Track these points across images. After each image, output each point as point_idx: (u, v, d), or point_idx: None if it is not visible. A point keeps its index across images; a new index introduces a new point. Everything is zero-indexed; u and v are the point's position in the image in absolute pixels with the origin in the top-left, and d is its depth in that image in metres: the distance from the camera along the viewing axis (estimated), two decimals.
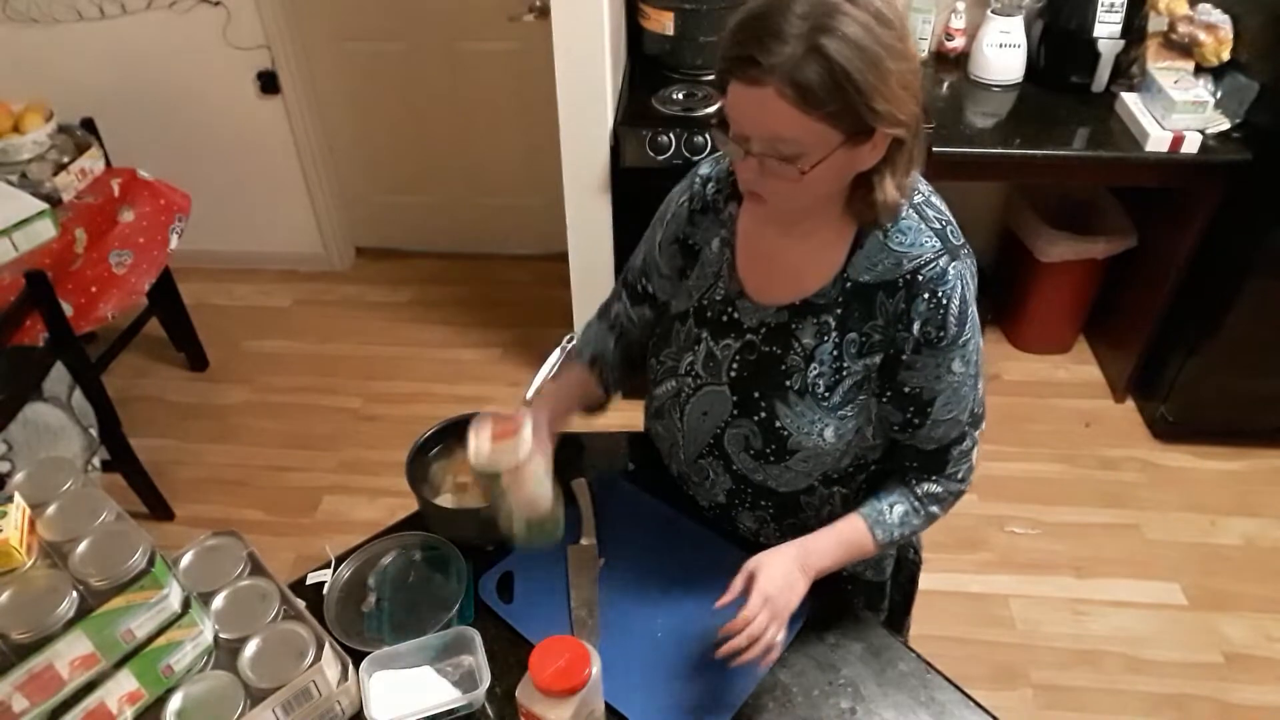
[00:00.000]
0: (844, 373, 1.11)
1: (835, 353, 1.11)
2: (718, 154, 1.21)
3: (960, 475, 1.19)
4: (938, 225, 1.07)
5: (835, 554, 1.16)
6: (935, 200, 1.10)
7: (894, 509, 1.18)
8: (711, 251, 1.19)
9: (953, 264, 1.05)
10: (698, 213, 1.20)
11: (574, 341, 1.39)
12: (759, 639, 1.06)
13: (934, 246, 1.05)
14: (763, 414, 1.16)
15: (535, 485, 1.13)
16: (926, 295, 1.05)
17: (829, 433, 1.14)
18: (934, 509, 1.19)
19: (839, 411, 1.13)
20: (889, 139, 0.97)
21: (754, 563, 1.10)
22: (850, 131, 0.93)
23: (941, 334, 1.06)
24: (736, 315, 1.17)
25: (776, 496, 1.24)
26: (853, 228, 1.08)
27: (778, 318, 1.13)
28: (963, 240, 1.09)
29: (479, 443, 1.11)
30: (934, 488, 1.18)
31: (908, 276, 1.05)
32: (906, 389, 1.11)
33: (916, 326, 1.06)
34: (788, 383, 1.14)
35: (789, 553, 1.13)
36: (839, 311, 1.10)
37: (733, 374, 1.18)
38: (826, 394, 1.12)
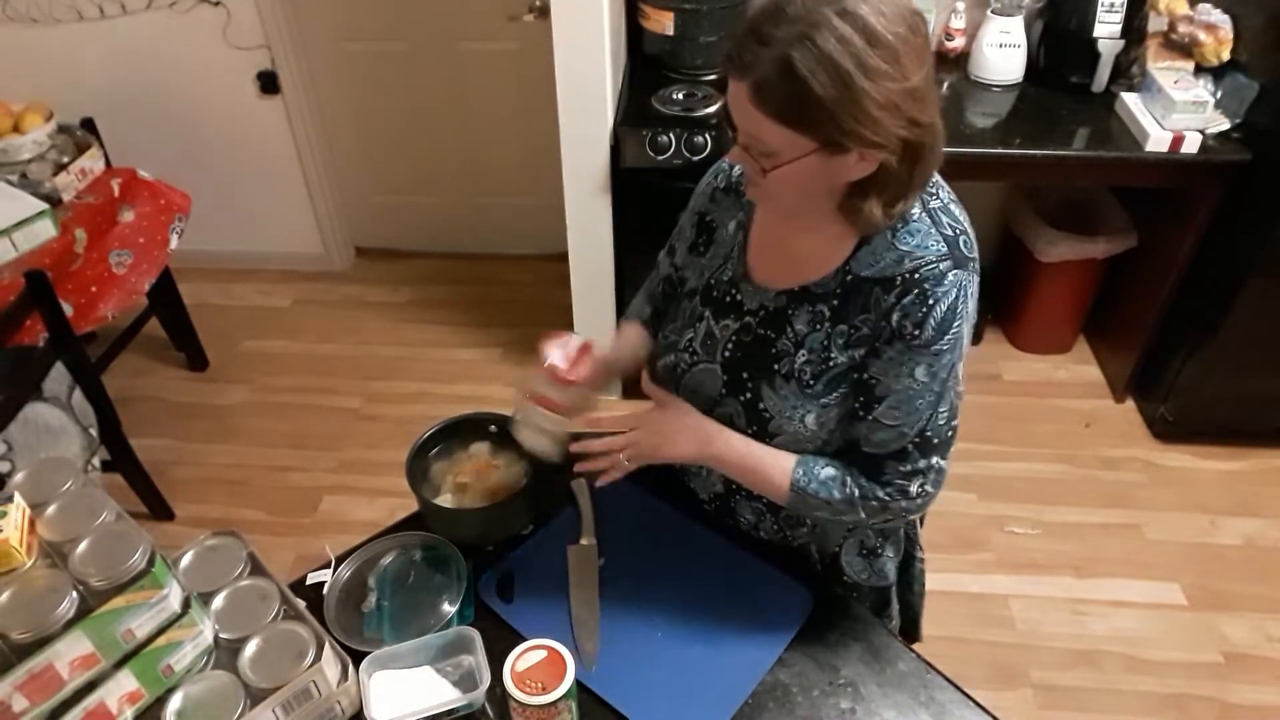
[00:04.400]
0: (830, 363, 1.12)
1: (824, 342, 1.12)
2: None
3: (890, 494, 1.12)
4: (950, 233, 1.06)
5: (741, 457, 1.17)
6: (954, 209, 1.09)
7: (825, 469, 1.14)
8: (727, 232, 1.22)
9: (954, 271, 1.04)
10: (720, 190, 1.23)
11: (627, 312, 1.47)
12: (608, 454, 1.19)
13: (939, 251, 1.04)
14: (748, 395, 1.18)
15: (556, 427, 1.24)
16: (916, 291, 1.04)
17: (810, 419, 1.14)
18: (858, 499, 1.13)
19: (821, 400, 1.13)
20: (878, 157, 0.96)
21: (663, 399, 1.22)
22: (824, 142, 0.94)
23: (916, 332, 1.05)
24: (739, 297, 1.19)
25: None
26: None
27: (776, 302, 1.15)
28: (975, 255, 1.07)
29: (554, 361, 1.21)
30: (864, 482, 1.13)
31: (906, 275, 1.05)
32: (863, 375, 1.10)
33: (895, 317, 1.05)
34: (776, 366, 1.15)
35: (697, 421, 1.19)
36: (835, 303, 1.10)
37: (727, 354, 1.20)
38: (811, 381, 1.13)
